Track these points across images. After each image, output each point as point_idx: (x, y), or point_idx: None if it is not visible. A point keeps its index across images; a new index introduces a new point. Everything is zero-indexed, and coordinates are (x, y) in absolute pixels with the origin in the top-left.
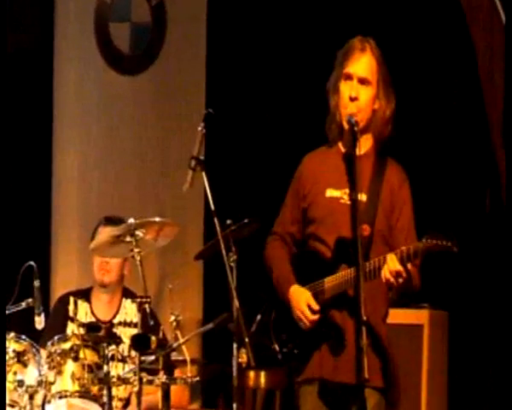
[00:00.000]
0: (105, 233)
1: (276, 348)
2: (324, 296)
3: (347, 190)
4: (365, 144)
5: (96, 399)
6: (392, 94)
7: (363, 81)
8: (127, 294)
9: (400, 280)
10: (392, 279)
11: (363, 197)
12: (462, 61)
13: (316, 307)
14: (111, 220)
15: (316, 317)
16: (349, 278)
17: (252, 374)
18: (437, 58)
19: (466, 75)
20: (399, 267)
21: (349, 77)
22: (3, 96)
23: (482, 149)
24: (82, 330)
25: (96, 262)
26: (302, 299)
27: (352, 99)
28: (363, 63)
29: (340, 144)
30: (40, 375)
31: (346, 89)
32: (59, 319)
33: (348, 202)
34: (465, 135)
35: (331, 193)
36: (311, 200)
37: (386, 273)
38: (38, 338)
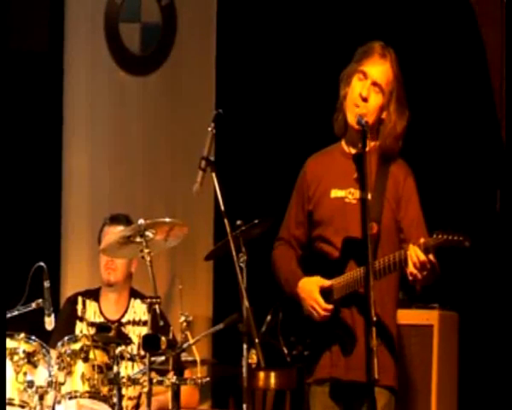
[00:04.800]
0: (113, 233)
1: (285, 351)
2: (334, 297)
3: (352, 190)
4: (369, 144)
5: (105, 399)
6: (405, 112)
7: (376, 85)
8: (135, 294)
9: (424, 272)
10: (415, 272)
11: (368, 195)
12: (472, 59)
13: (328, 283)
14: (116, 219)
15: (329, 306)
16: (358, 277)
17: (262, 375)
18: (447, 57)
19: (476, 73)
20: (423, 257)
21: (364, 75)
22: (13, 96)
23: (492, 148)
24: (92, 331)
25: (103, 261)
26: (313, 287)
27: (362, 98)
28: (380, 68)
29: (342, 143)
30: (50, 376)
31: (359, 86)
32: (67, 320)
33: (353, 202)
34: (475, 134)
35: (336, 193)
36: (316, 202)
37: (410, 267)
38: (48, 339)
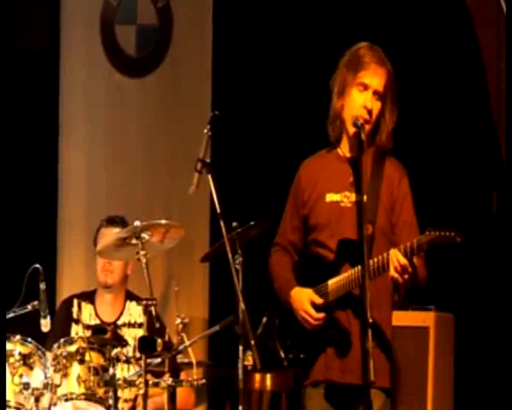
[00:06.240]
0: (109, 235)
1: (282, 354)
2: (329, 299)
3: (347, 193)
4: (366, 149)
5: (101, 401)
6: (396, 108)
7: (376, 94)
8: (131, 296)
9: (406, 276)
10: (396, 276)
11: (364, 198)
12: (468, 60)
13: (319, 300)
14: (113, 221)
15: (321, 315)
16: (353, 278)
17: (258, 376)
18: (443, 60)
19: (472, 76)
20: (404, 261)
21: (365, 87)
22: (10, 97)
23: (489, 151)
24: (88, 333)
25: (99, 263)
26: (304, 298)
27: (368, 110)
28: (380, 77)
29: (338, 150)
30: (46, 378)
31: (361, 98)
32: (63, 322)
33: (349, 205)
34: (472, 136)
35: (331, 197)
36: (311, 206)
37: (391, 271)
38: (44, 341)
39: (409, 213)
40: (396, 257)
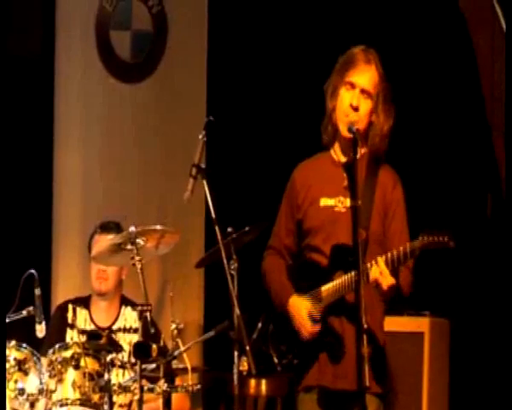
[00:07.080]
0: (104, 241)
1: (276, 360)
2: (322, 304)
3: (341, 198)
4: (360, 151)
5: (96, 407)
6: (391, 110)
7: (364, 92)
8: (126, 302)
9: (384, 282)
10: (380, 279)
11: (358, 203)
12: (463, 65)
13: (317, 315)
14: (107, 227)
15: (316, 328)
16: (346, 283)
17: (253, 382)
18: (438, 64)
19: (468, 79)
20: (385, 270)
21: (352, 86)
22: (4, 101)
23: (484, 154)
24: (83, 338)
25: (94, 270)
26: (302, 309)
27: (354, 108)
28: (367, 75)
29: (331, 152)
30: (41, 383)
31: (348, 97)
32: (58, 328)
33: (343, 210)
34: (467, 139)
35: (325, 202)
36: (305, 210)
37: (375, 274)
38: (39, 346)
39: (400, 221)
40: (381, 263)
